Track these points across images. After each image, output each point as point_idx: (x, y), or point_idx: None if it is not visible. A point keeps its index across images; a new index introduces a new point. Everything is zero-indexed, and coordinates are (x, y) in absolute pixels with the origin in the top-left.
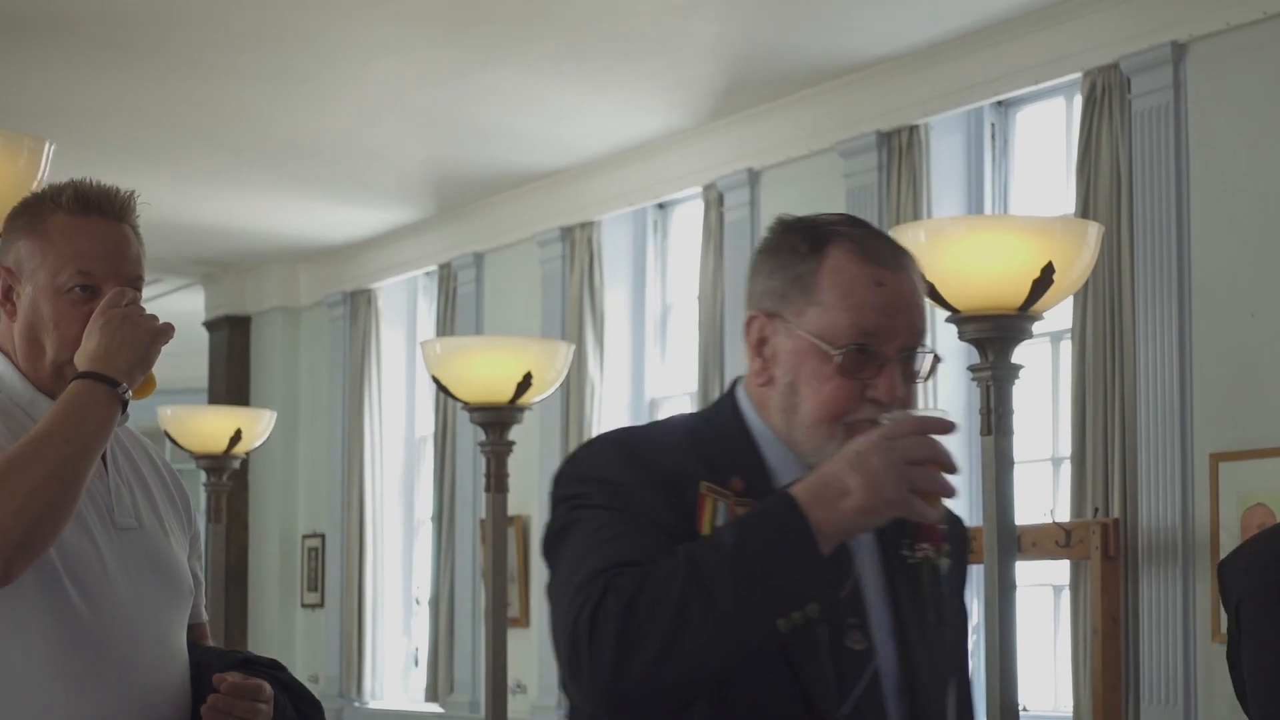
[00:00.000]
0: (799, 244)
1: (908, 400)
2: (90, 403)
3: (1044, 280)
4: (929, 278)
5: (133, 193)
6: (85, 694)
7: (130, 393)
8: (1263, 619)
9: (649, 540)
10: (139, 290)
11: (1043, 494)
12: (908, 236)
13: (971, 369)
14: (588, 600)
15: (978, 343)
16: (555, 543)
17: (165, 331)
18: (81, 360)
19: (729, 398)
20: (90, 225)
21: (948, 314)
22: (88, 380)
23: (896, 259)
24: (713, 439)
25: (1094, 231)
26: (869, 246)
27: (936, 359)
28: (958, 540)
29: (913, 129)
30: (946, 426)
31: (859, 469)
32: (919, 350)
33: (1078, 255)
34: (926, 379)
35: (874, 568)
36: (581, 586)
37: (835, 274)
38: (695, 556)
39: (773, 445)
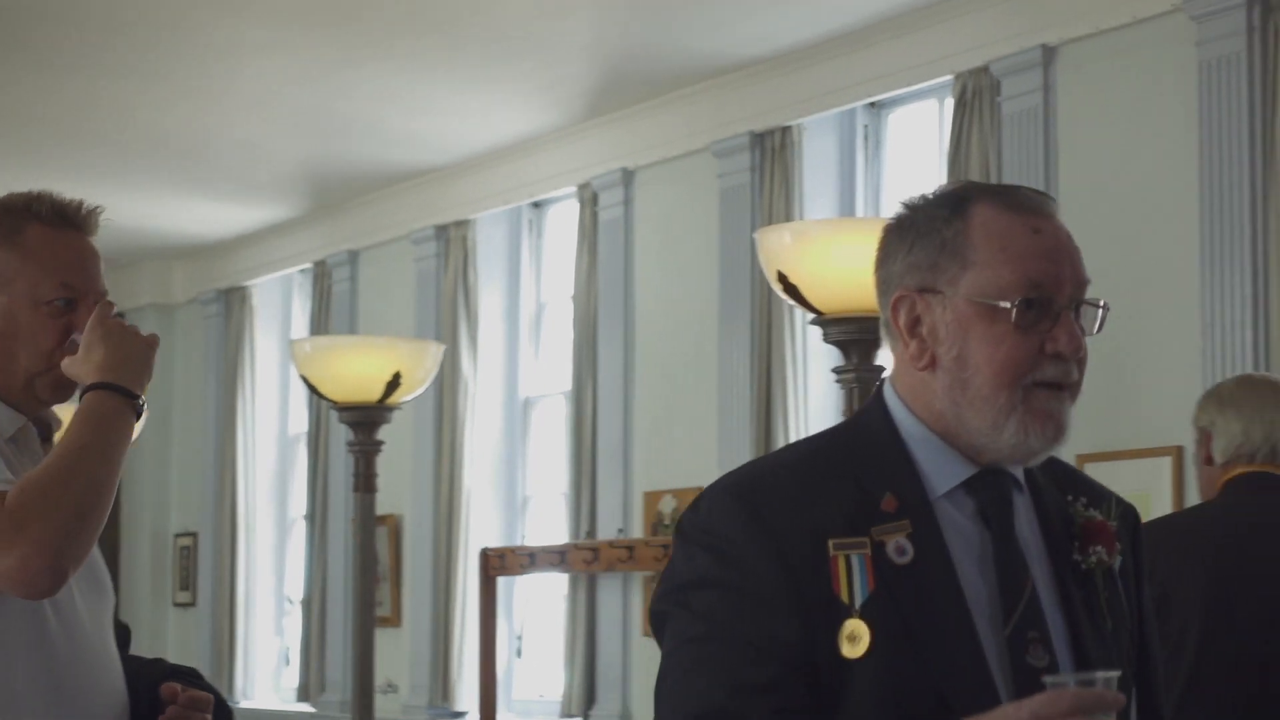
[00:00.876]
0: (937, 211)
1: (1084, 354)
2: (113, 413)
3: None
4: (792, 280)
5: (100, 208)
6: (59, 708)
7: (144, 402)
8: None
9: (744, 663)
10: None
11: None
12: (773, 239)
13: (836, 371)
14: None
15: (842, 345)
16: (659, 626)
17: (156, 342)
18: (89, 372)
19: (876, 400)
20: (68, 238)
21: (812, 316)
22: (105, 392)
23: (1045, 205)
24: (863, 450)
25: None
26: (1013, 196)
27: (1106, 309)
28: (1131, 533)
29: (786, 130)
30: (1114, 703)
31: None
32: (1089, 303)
33: None
34: (1099, 331)
35: (1045, 575)
36: None
37: (986, 228)
38: None
39: (928, 446)
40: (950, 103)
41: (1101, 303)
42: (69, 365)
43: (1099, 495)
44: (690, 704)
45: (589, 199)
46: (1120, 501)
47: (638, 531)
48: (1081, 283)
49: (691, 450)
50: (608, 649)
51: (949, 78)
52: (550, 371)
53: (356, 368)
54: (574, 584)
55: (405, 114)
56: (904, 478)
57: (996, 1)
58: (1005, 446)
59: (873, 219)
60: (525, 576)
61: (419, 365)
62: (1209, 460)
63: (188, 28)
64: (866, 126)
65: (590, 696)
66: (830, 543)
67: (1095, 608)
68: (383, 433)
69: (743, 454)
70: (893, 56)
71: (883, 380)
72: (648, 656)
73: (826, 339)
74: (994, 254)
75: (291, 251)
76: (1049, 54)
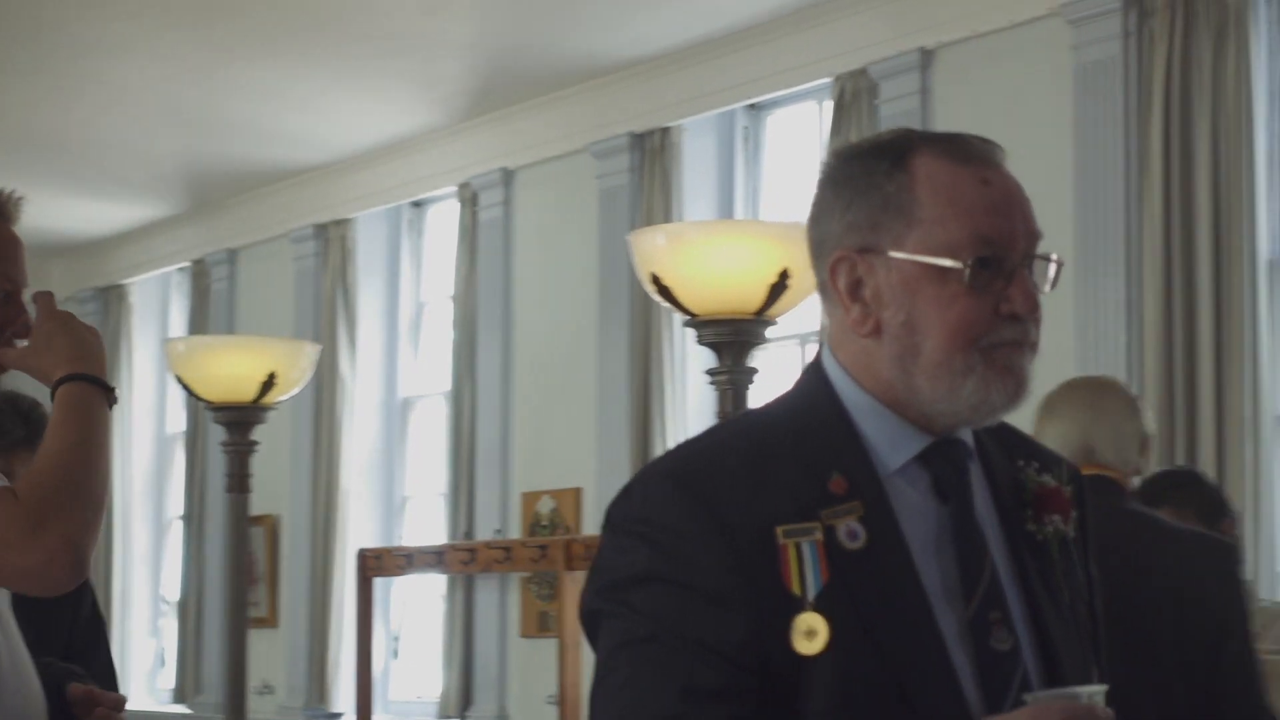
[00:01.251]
0: (875, 164)
1: (1038, 313)
2: (95, 403)
3: (780, 285)
4: (666, 282)
5: (23, 196)
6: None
7: (115, 390)
8: None
9: (692, 668)
10: None
11: None
12: (647, 241)
13: (709, 373)
14: None
15: (715, 347)
16: (593, 625)
17: (98, 331)
18: (57, 364)
19: (814, 371)
20: (6, 232)
21: (686, 318)
22: (80, 383)
23: (992, 153)
24: (806, 427)
25: None
26: (958, 144)
27: (1060, 264)
28: (1078, 496)
29: (665, 131)
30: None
31: None
32: (1043, 256)
33: None
34: (1054, 288)
35: (1000, 548)
36: None
37: (932, 181)
38: None
39: (877, 418)
40: (829, 105)
41: (1054, 257)
42: (21, 358)
43: (1049, 460)
44: (640, 711)
45: (469, 199)
46: (1069, 465)
47: (515, 532)
48: (1034, 236)
49: (570, 451)
50: (485, 650)
51: (828, 80)
52: (429, 372)
53: (231, 368)
54: (452, 585)
55: (285, 112)
56: (852, 455)
57: (875, 4)
58: (964, 408)
59: (747, 221)
60: (403, 577)
61: (294, 365)
62: None
63: (56, 23)
64: (746, 128)
65: (467, 697)
66: (779, 530)
67: (1052, 580)
68: (259, 433)
69: (621, 455)
70: (772, 58)
71: (820, 349)
72: (525, 657)
73: (700, 341)
74: (941, 209)
75: (170, 250)
76: (927, 57)
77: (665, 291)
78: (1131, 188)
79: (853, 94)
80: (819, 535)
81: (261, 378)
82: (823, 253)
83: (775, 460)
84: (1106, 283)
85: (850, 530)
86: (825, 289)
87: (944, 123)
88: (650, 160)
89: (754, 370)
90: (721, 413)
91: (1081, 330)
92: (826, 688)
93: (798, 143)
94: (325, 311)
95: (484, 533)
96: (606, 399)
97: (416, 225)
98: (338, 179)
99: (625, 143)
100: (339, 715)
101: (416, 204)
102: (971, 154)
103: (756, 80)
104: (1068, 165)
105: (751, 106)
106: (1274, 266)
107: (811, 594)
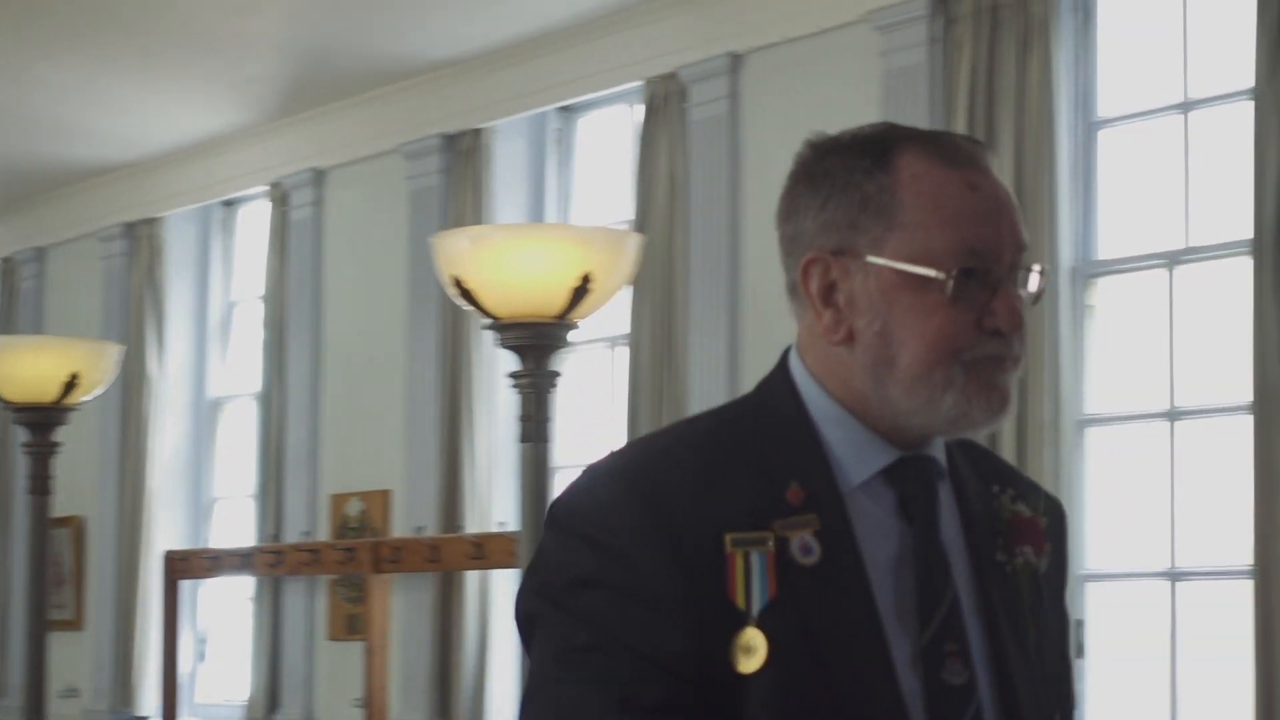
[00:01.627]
0: (856, 161)
1: (1023, 328)
2: None
3: (583, 289)
4: (468, 285)
5: None
6: None
7: None
8: None
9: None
10: None
11: None
12: (449, 244)
13: (511, 376)
14: None
15: (518, 350)
16: (528, 627)
17: None
18: None
19: (780, 373)
20: None
21: (487, 321)
22: None
23: (980, 155)
24: (767, 431)
25: (633, 241)
26: (945, 144)
27: (1044, 274)
28: (1056, 529)
29: (477, 132)
30: None
31: None
32: (1027, 268)
33: (616, 264)
34: (1037, 302)
35: (966, 577)
36: None
37: (917, 184)
38: None
39: (844, 428)
40: (641, 108)
41: (1040, 268)
42: None
43: (1026, 488)
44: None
45: (280, 199)
46: (1048, 497)
47: (324, 534)
48: (1020, 247)
49: (378, 453)
50: (292, 653)
51: (639, 83)
52: (239, 372)
53: (32, 368)
54: (260, 587)
55: (93, 110)
56: (813, 465)
57: (686, 9)
58: (943, 420)
59: (549, 224)
60: (212, 580)
61: (97, 366)
62: None
63: None
64: (559, 130)
65: (274, 700)
66: (727, 538)
67: (1018, 616)
68: (64, 434)
69: (430, 457)
70: (584, 61)
71: (787, 350)
72: (332, 660)
73: (502, 344)
74: (926, 214)
75: None
76: (736, 62)
77: (467, 294)
78: None
79: (664, 97)
80: (770, 546)
81: (64, 378)
82: (794, 252)
83: (732, 465)
84: None
85: (804, 544)
86: (795, 290)
87: (753, 127)
88: (461, 162)
89: (556, 373)
90: (524, 416)
91: None
92: (765, 706)
93: (609, 146)
94: (134, 311)
95: (292, 535)
96: (415, 400)
97: (227, 225)
98: (147, 178)
99: (436, 144)
100: (145, 718)
101: (227, 203)
102: (960, 155)
103: (568, 83)
104: None
105: (563, 109)
106: (1075, 273)
107: (756, 608)
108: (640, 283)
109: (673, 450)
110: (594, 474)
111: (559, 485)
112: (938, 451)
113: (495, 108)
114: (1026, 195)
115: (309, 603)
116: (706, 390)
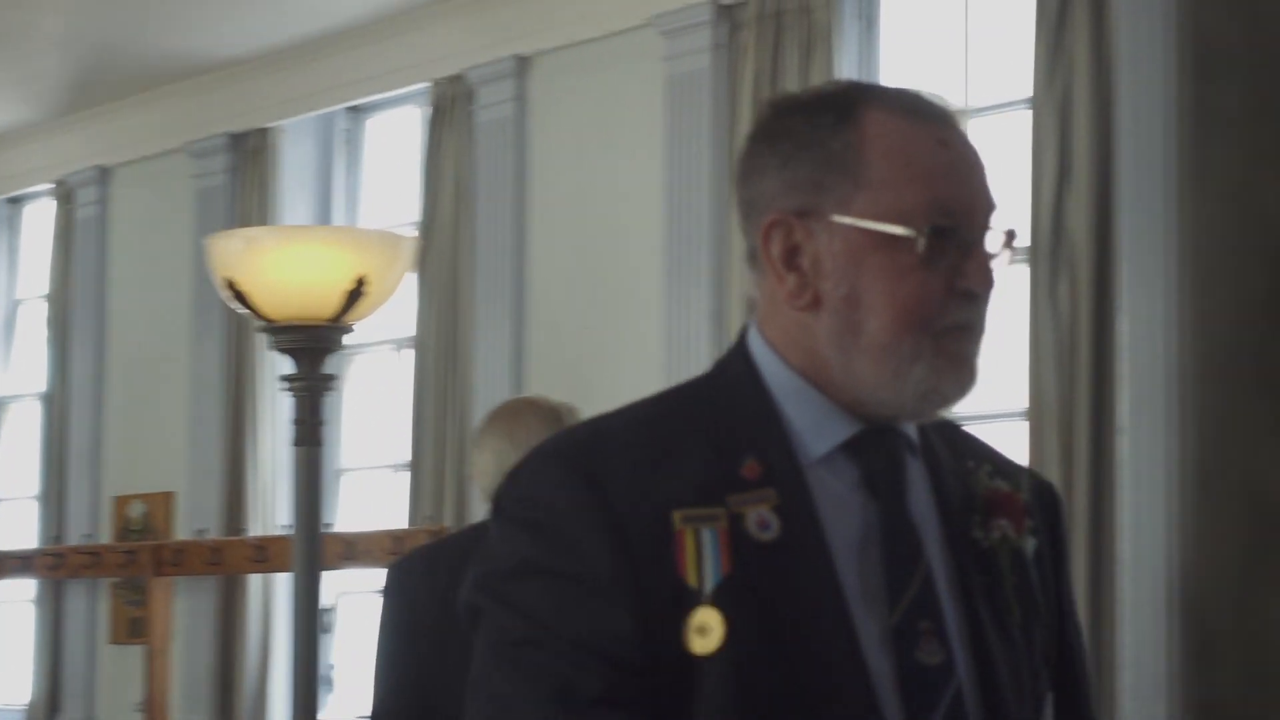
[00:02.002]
0: (819, 118)
1: (992, 291)
2: None
3: (357, 292)
4: (242, 287)
5: None
6: None
7: None
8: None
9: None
10: None
11: (381, 502)
12: (222, 246)
13: (285, 379)
14: None
15: (292, 353)
16: (472, 621)
17: None
18: None
19: (739, 347)
20: None
21: (261, 324)
22: None
23: (949, 113)
24: (722, 406)
25: (409, 244)
26: (911, 100)
27: (1013, 235)
28: (1048, 512)
29: (264, 131)
30: None
31: None
32: (998, 229)
33: (392, 267)
34: (1010, 263)
35: (941, 555)
36: None
37: (885, 140)
38: None
39: (803, 400)
40: (428, 109)
41: (1010, 229)
42: None
43: (1007, 468)
44: None
45: (65, 196)
46: (1035, 477)
47: (107, 537)
48: (991, 207)
49: (162, 455)
50: (73, 656)
51: (426, 84)
52: (23, 372)
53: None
54: (42, 590)
55: None
56: (770, 439)
57: (472, 10)
58: (910, 397)
59: (322, 227)
60: None
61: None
62: None
63: None
64: (347, 130)
65: (55, 704)
66: (676, 515)
67: (999, 595)
68: None
69: (213, 459)
70: (371, 61)
71: (747, 324)
72: (114, 663)
73: (276, 347)
74: (895, 171)
75: None
76: (522, 64)
77: (241, 297)
78: (720, 198)
79: (451, 99)
80: (723, 523)
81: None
82: (754, 214)
83: (680, 441)
84: (695, 292)
85: (761, 519)
86: (755, 256)
87: (539, 130)
88: (248, 161)
89: (331, 377)
90: (298, 419)
91: (668, 340)
92: (722, 690)
93: (397, 147)
94: None
95: (75, 537)
96: (199, 402)
97: (12, 223)
98: None
99: (223, 143)
100: None
101: (12, 200)
102: (928, 111)
103: (356, 83)
104: (658, 174)
105: (352, 109)
106: None
107: (709, 586)
108: (426, 285)
109: (616, 429)
110: (534, 457)
111: (336, 489)
112: (908, 428)
113: (283, 107)
114: None
115: (90, 606)
116: (490, 392)
